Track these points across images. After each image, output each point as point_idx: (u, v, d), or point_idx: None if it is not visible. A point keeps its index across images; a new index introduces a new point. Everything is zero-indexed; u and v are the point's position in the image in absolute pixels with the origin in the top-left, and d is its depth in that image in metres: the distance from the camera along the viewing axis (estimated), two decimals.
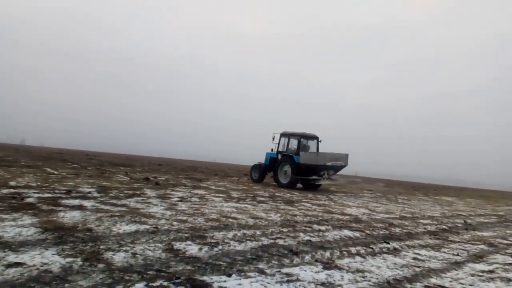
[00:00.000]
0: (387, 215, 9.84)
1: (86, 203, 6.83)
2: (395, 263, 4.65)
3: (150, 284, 3.09)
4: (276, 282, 3.47)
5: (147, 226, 5.29)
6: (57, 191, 8.14)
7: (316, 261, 4.38)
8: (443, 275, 4.38)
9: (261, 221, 6.75)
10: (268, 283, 3.43)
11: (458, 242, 6.81)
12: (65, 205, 6.48)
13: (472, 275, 4.54)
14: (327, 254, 4.79)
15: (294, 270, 3.90)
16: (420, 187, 36.48)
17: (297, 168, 16.39)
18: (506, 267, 5.12)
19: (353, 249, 5.21)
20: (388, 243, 5.93)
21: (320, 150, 17.45)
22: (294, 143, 17.34)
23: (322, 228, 6.71)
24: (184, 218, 6.30)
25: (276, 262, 4.13)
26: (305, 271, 3.93)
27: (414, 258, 5.04)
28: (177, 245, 4.44)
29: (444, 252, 5.68)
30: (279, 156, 17.69)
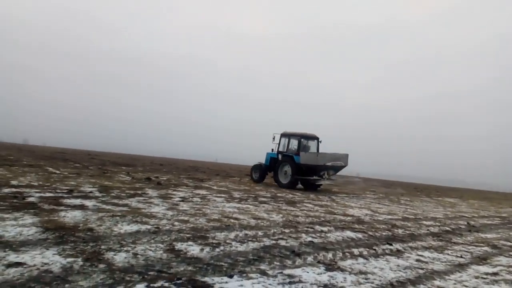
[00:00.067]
0: (389, 216, 9.79)
1: (88, 203, 6.82)
2: (398, 265, 4.61)
3: (151, 285, 3.06)
4: (278, 284, 3.44)
5: (149, 226, 5.27)
6: (58, 191, 8.13)
7: (319, 262, 4.35)
8: (446, 277, 4.33)
9: (263, 222, 6.71)
10: (270, 284, 3.40)
11: (462, 244, 6.75)
12: (66, 204, 6.46)
13: (476, 277, 4.49)
14: (330, 255, 4.75)
15: (296, 272, 3.86)
16: (422, 188, 36.37)
17: (297, 168, 16.41)
18: (510, 269, 5.07)
19: (355, 251, 5.17)
20: (391, 244, 5.89)
21: (320, 151, 17.47)
22: (294, 144, 17.35)
23: (324, 229, 6.67)
24: (186, 218, 6.28)
25: (278, 263, 4.10)
26: (307, 272, 3.89)
27: (417, 260, 4.99)
28: (179, 245, 4.41)
29: (448, 254, 5.63)
30: (280, 157, 17.70)
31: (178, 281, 3.20)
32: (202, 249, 4.34)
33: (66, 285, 2.87)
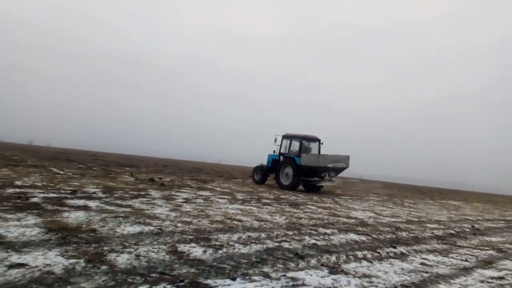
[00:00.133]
0: (393, 219, 9.73)
1: (91, 204, 6.82)
2: (402, 268, 4.57)
3: (153, 287, 3.04)
4: (282, 287, 3.41)
5: (152, 228, 5.25)
6: (62, 191, 8.14)
7: (322, 265, 4.31)
8: (451, 281, 4.29)
9: (266, 224, 6.68)
10: (273, 287, 3.37)
11: (466, 247, 6.69)
12: (70, 205, 6.46)
13: (482, 281, 4.44)
14: (333, 258, 4.71)
15: (300, 275, 3.83)
16: (426, 191, 36.18)
17: (299, 170, 16.47)
18: None
19: (359, 253, 5.13)
20: (395, 247, 5.84)
21: (321, 152, 17.51)
22: (296, 145, 17.44)
23: (328, 231, 6.62)
24: (189, 219, 6.26)
25: (281, 266, 4.07)
26: (311, 275, 3.86)
27: (421, 263, 4.95)
28: (181, 247, 4.39)
29: (452, 258, 5.57)
30: (281, 158, 17.76)
31: (180, 284, 3.18)
32: (205, 251, 4.32)
33: (68, 287, 2.86)
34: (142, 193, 9.47)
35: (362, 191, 22.58)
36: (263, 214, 7.94)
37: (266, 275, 3.67)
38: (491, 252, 6.48)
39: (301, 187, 17.81)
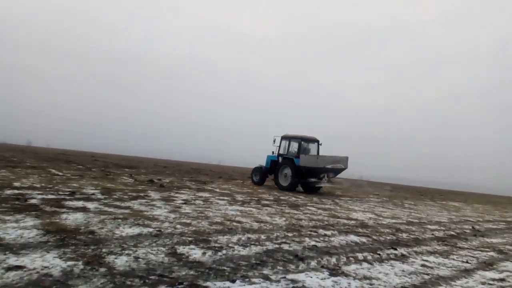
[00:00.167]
0: (393, 220, 9.70)
1: (90, 205, 6.78)
2: (403, 270, 4.54)
3: None
4: None
5: (150, 229, 5.22)
6: (61, 193, 8.11)
7: (322, 267, 4.28)
8: (452, 283, 4.26)
9: (265, 225, 6.65)
10: None
11: (467, 248, 6.66)
12: (68, 206, 6.43)
13: (483, 283, 4.42)
14: (333, 260, 4.68)
15: (300, 277, 3.80)
16: (426, 192, 36.16)
17: (297, 171, 16.50)
18: None
19: (359, 255, 5.10)
20: (395, 249, 5.81)
21: (321, 153, 17.55)
22: (294, 146, 17.49)
23: (328, 233, 6.60)
24: (188, 221, 6.23)
25: (281, 268, 4.04)
26: (311, 277, 3.83)
27: (422, 265, 4.92)
28: (180, 249, 4.36)
29: (453, 259, 5.55)
30: (280, 159, 17.78)
31: (179, 286, 3.15)
32: (204, 253, 4.29)
33: None
34: (141, 194, 9.43)
35: (363, 193, 22.56)
36: (263, 215, 7.91)
37: (266, 277, 3.65)
38: (492, 253, 6.46)
39: (300, 188, 17.82)
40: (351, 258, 4.87)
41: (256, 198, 11.54)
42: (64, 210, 6.07)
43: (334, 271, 4.15)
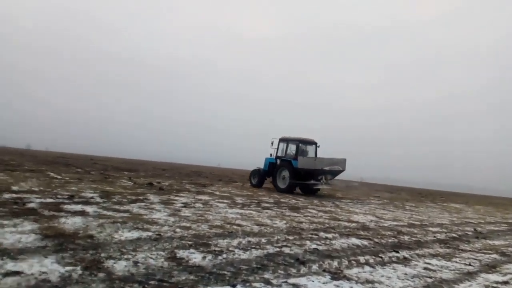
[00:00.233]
0: (395, 223, 9.65)
1: (88, 209, 6.73)
2: (405, 273, 4.49)
3: None
4: None
5: (150, 233, 5.17)
6: (59, 196, 8.05)
7: (324, 271, 4.23)
8: (456, 286, 4.21)
9: (266, 228, 6.60)
10: None
11: (470, 251, 6.61)
12: (67, 210, 6.38)
13: (486, 286, 4.37)
14: (335, 263, 4.63)
15: (301, 281, 3.75)
16: (427, 194, 36.10)
17: (295, 173, 16.53)
18: None
19: (361, 258, 5.04)
20: (397, 252, 5.76)
21: (319, 155, 17.61)
22: (292, 148, 17.57)
23: (329, 236, 6.54)
24: (188, 224, 6.17)
25: (282, 272, 3.99)
26: (313, 281, 3.78)
27: (425, 268, 4.86)
28: (180, 253, 4.31)
29: (456, 262, 5.49)
30: (278, 161, 17.77)
31: None
32: (204, 257, 4.23)
33: None
34: (141, 197, 9.38)
35: (363, 195, 22.50)
36: (263, 218, 7.86)
37: (267, 282, 3.59)
38: (494, 256, 6.40)
39: (298, 190, 17.83)
40: (353, 262, 4.82)
41: (256, 201, 11.49)
42: (62, 214, 6.01)
43: (336, 275, 4.10)
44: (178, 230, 5.63)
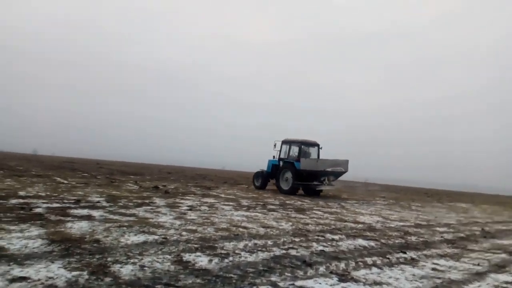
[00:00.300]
0: (401, 223, 9.58)
1: (95, 213, 6.75)
2: (413, 274, 4.44)
3: None
4: None
5: (156, 237, 5.17)
6: (66, 201, 8.09)
7: (331, 273, 4.20)
8: (465, 287, 4.17)
9: (272, 230, 6.58)
10: None
11: (478, 251, 6.54)
12: (73, 215, 6.40)
13: (496, 286, 4.31)
14: (342, 265, 4.60)
15: (309, 283, 3.72)
16: (432, 193, 35.84)
17: (298, 174, 16.64)
18: None
19: (369, 260, 5.01)
20: (404, 252, 5.71)
21: (321, 156, 17.76)
22: (295, 150, 17.72)
23: (336, 237, 6.51)
24: (194, 227, 6.17)
25: (289, 274, 3.96)
26: (320, 283, 3.75)
27: (433, 269, 4.81)
28: (186, 256, 4.30)
29: (464, 262, 5.43)
30: (281, 163, 17.86)
31: None
32: (210, 260, 4.22)
33: None
34: (146, 201, 9.40)
35: (369, 195, 22.39)
36: (269, 220, 7.84)
37: (274, 284, 3.57)
38: (503, 255, 6.33)
39: (301, 191, 17.87)
40: (360, 263, 4.78)
41: (261, 203, 11.46)
42: (69, 218, 6.04)
43: (344, 277, 4.07)
44: (184, 233, 5.62)
